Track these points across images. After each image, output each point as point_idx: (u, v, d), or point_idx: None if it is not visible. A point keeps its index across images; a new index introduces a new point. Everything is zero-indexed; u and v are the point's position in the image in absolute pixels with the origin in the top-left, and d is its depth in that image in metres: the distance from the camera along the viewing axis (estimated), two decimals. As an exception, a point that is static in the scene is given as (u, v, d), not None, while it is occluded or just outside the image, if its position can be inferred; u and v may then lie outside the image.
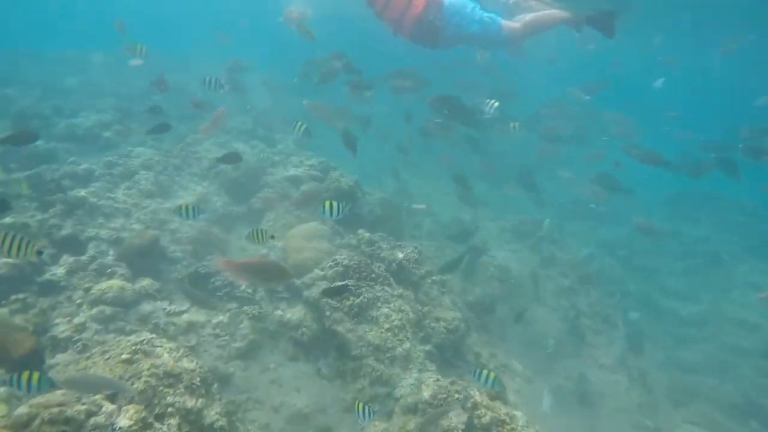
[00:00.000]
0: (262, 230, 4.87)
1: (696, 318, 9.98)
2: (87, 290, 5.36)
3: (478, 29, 7.10)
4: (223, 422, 4.24)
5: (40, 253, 3.65)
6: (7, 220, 5.72)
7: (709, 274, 12.03)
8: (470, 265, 8.58)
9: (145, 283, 5.67)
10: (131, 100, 13.11)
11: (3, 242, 3.41)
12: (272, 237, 4.98)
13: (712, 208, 15.66)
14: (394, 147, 10.51)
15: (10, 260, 5.16)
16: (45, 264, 5.64)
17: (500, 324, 7.97)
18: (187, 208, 5.05)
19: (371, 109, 8.67)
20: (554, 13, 8.01)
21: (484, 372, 4.28)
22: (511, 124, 6.93)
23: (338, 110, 7.71)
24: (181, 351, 4.57)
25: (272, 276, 4.48)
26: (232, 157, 6.74)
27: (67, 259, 5.75)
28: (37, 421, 3.37)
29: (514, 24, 7.35)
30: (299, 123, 5.75)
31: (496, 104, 6.60)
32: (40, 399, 3.49)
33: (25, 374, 3.10)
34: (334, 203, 4.58)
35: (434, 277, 7.01)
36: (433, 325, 6.29)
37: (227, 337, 5.59)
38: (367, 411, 4.16)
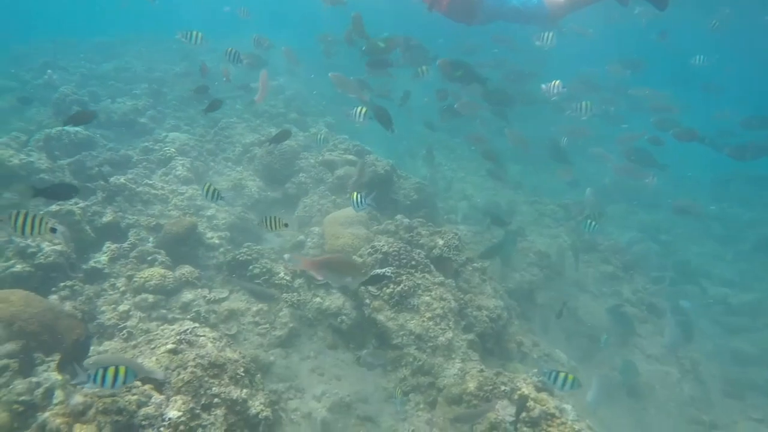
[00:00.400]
0: (274, 217, 4.86)
1: (748, 307, 9.45)
2: (129, 278, 5.39)
3: (518, 3, 6.71)
4: (267, 412, 4.19)
5: (53, 230, 3.67)
6: (53, 207, 5.78)
7: (761, 261, 11.37)
8: (509, 251, 8.31)
9: (185, 270, 5.67)
10: (163, 85, 13.19)
11: (17, 221, 3.38)
12: (285, 225, 4.94)
13: (764, 190, 14.76)
14: (423, 124, 10.04)
15: (57, 247, 5.21)
16: (88, 252, 5.70)
17: (541, 312, 7.72)
18: (209, 189, 4.96)
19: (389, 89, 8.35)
20: None
21: (561, 375, 3.92)
22: (583, 104, 6.57)
23: (364, 83, 7.47)
24: (224, 341, 4.54)
25: (349, 271, 4.47)
26: (284, 135, 6.58)
27: (110, 246, 5.79)
28: (92, 411, 3.38)
29: None
30: (360, 108, 5.52)
31: (562, 86, 6.25)
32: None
33: (111, 370, 3.03)
34: (357, 194, 4.73)
35: (475, 264, 6.79)
36: (475, 313, 6.10)
37: (267, 326, 5.55)
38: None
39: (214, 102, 6.38)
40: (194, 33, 6.22)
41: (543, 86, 6.60)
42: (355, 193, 4.71)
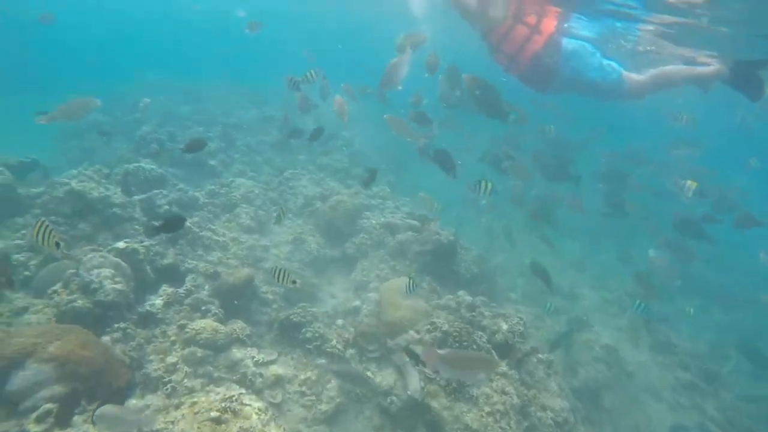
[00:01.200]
0: (284, 270, 4.78)
1: None
2: (181, 327, 5.22)
3: (596, 76, 6.46)
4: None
5: (57, 245, 3.97)
6: (120, 244, 5.82)
7: None
8: (572, 343, 7.61)
9: (237, 326, 5.45)
10: (236, 130, 13.73)
11: (35, 227, 3.89)
12: (294, 282, 4.81)
13: None
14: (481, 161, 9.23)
15: (117, 286, 5.16)
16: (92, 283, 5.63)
17: (609, 416, 6.87)
18: (280, 272, 4.80)
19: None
20: (688, 69, 7.21)
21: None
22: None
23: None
24: (269, 413, 4.20)
25: (482, 367, 4.25)
26: (372, 174, 6.48)
27: (166, 290, 5.71)
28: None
29: (638, 76, 6.65)
30: (485, 182, 5.31)
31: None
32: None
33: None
34: (411, 280, 5.00)
35: (540, 355, 6.19)
36: (539, 414, 5.46)
37: (313, 397, 5.16)
38: None
39: (317, 130, 6.47)
40: (311, 72, 6.44)
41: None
42: (409, 279, 4.76)
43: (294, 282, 4.81)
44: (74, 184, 7.06)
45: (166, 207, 7.74)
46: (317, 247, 7.64)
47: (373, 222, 8.20)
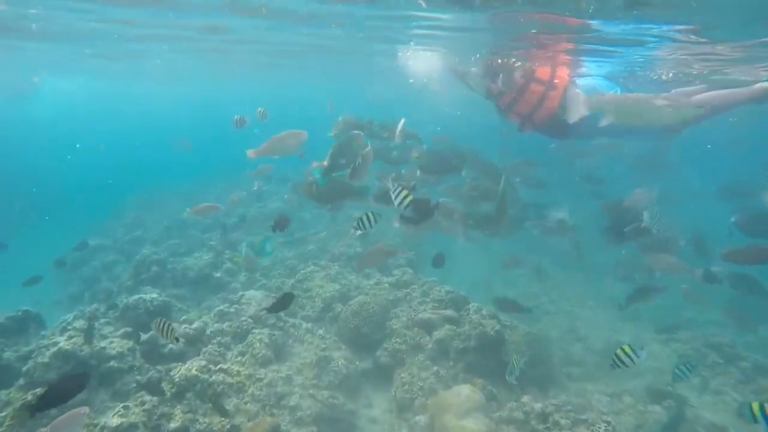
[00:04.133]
0: (169, 327, 4.73)
1: None
2: None
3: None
4: None
5: (177, 339, 4.88)
6: (114, 421, 4.84)
7: None
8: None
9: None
10: (236, 230, 13.03)
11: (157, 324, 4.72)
12: (177, 339, 4.91)
13: None
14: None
15: None
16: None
17: None
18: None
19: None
20: (733, 92, 6.40)
21: None
22: None
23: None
24: None
25: None
26: (285, 301, 5.45)
27: (177, 468, 4.66)
28: None
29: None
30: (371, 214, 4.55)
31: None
32: None
33: None
34: None
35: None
36: None
37: None
38: None
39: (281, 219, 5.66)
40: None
41: None
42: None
43: (177, 339, 4.85)
44: (63, 343, 6.22)
45: (171, 346, 6.84)
46: (345, 363, 6.58)
47: (404, 319, 7.16)
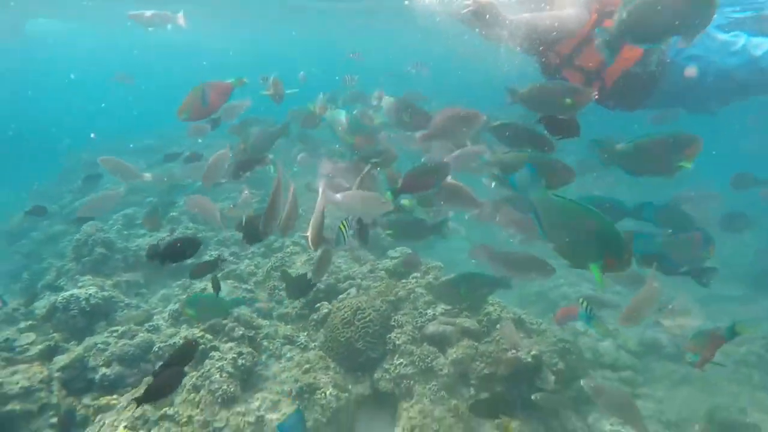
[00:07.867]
0: None
1: None
2: None
3: (737, 62, 3.86)
4: None
5: None
6: None
7: None
8: None
9: None
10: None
11: None
12: None
13: None
14: None
15: None
16: None
17: None
18: None
19: None
20: None
21: None
22: None
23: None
24: None
25: None
26: (185, 354, 3.57)
27: None
28: None
29: None
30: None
31: None
32: None
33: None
34: None
35: None
36: None
37: None
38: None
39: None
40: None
41: None
42: None
43: None
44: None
45: (105, 371, 5.22)
46: (336, 391, 5.05)
47: (408, 331, 5.60)
